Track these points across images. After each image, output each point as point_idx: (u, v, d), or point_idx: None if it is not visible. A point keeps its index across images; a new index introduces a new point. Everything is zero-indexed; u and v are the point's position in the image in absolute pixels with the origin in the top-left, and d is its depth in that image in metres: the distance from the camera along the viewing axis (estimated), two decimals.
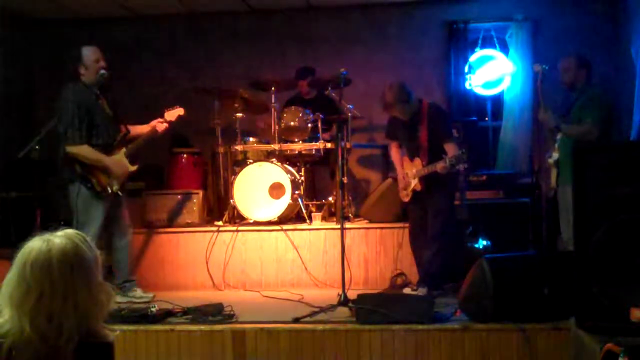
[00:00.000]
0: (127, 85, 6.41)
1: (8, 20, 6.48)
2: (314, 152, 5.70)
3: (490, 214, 5.12)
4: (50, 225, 1.93)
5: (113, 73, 4.70)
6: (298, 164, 5.80)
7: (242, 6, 6.62)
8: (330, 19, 6.77)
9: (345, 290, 4.22)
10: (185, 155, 5.94)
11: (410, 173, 4.74)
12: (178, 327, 3.92)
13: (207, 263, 5.21)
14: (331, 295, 4.39)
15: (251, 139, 5.82)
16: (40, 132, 4.71)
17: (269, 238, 5.26)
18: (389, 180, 5.36)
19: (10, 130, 6.39)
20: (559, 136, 4.70)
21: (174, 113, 4.96)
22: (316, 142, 5.61)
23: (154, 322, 3.97)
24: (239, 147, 5.67)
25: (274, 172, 5.41)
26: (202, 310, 4.09)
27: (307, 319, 3.96)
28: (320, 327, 3.83)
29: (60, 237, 1.80)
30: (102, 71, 4.55)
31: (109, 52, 4.73)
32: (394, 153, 4.94)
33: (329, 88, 5.87)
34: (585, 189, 3.26)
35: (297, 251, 5.17)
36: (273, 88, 5.76)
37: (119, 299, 4.50)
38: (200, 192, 5.68)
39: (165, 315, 4.08)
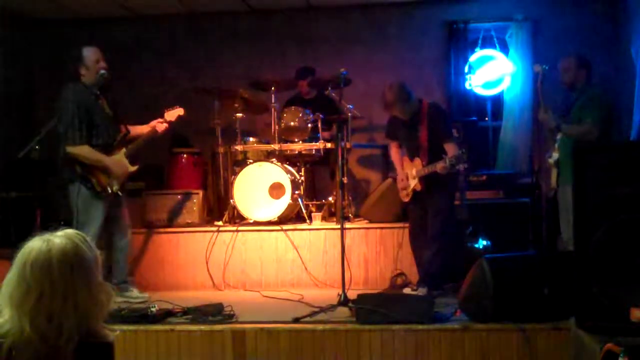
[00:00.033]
0: (127, 85, 6.41)
1: (8, 20, 6.48)
2: (314, 152, 5.70)
3: (490, 214, 5.12)
4: (50, 225, 1.93)
5: (113, 73, 4.70)
6: (298, 164, 5.80)
7: (242, 6, 6.62)
8: (330, 19, 6.77)
9: (345, 290, 4.22)
10: (185, 155, 5.94)
11: (410, 173, 4.74)
12: (178, 327, 3.92)
13: (207, 263, 5.21)
14: (331, 295, 4.39)
15: (251, 139, 5.82)
16: (40, 132, 4.72)
17: (269, 238, 5.26)
18: (389, 180, 5.36)
19: (10, 130, 6.39)
20: (559, 136, 4.70)
21: (174, 113, 4.96)
22: (316, 142, 5.61)
23: (154, 322, 3.97)
24: (239, 147, 5.67)
25: (274, 172, 5.41)
26: (202, 310, 4.09)
27: (307, 319, 3.96)
28: (320, 327, 3.83)
29: (60, 237, 1.80)
30: (102, 71, 4.55)
31: (109, 52, 4.73)
32: (394, 153, 4.94)
33: (329, 88, 5.87)
34: (585, 189, 3.25)
35: (297, 251, 5.17)
36: (273, 88, 5.76)
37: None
38: (200, 192, 5.68)
39: (165, 315, 4.08)
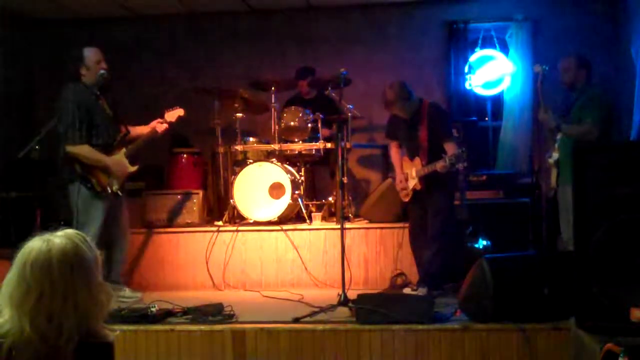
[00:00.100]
0: (127, 85, 6.41)
1: (8, 20, 6.48)
2: (314, 152, 5.70)
3: (490, 214, 5.12)
4: (50, 225, 1.93)
5: (113, 73, 4.71)
6: (298, 164, 5.80)
7: (242, 6, 6.62)
8: (330, 19, 6.77)
9: (345, 290, 4.21)
10: (185, 155, 5.94)
11: (410, 173, 4.74)
12: (178, 327, 3.92)
13: (207, 263, 5.21)
14: (331, 295, 4.39)
15: (251, 139, 5.82)
16: (40, 132, 4.72)
17: (269, 238, 5.26)
18: (389, 180, 5.36)
19: (10, 130, 6.39)
20: (559, 136, 4.70)
21: (174, 114, 4.97)
22: (316, 142, 5.61)
23: (154, 322, 3.97)
24: (239, 147, 5.67)
25: (274, 172, 5.41)
26: (202, 310, 4.08)
27: (307, 319, 3.96)
28: (320, 327, 3.83)
29: (60, 237, 1.80)
30: (102, 71, 4.55)
31: (109, 52, 4.73)
32: (394, 154, 4.94)
33: (329, 88, 5.87)
34: (585, 189, 3.25)
35: (297, 251, 5.17)
36: (273, 88, 5.76)
37: None
38: (200, 192, 5.68)
39: (165, 315, 4.07)
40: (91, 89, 4.55)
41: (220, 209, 5.88)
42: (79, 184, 4.47)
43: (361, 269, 5.15)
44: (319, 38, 6.76)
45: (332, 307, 4.13)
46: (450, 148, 4.51)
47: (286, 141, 5.68)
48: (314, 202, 5.78)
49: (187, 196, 5.62)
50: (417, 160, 4.66)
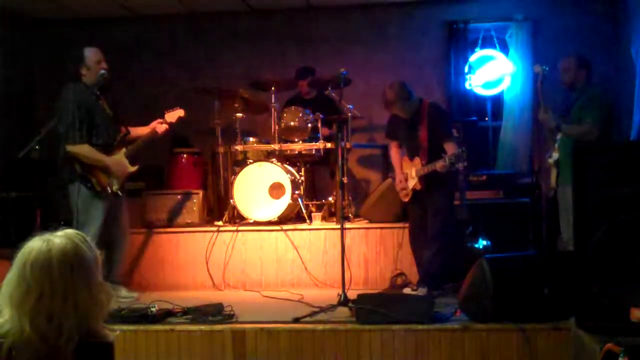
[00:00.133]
0: (127, 85, 6.41)
1: (8, 20, 6.48)
2: (314, 152, 5.70)
3: (490, 214, 5.12)
4: (50, 225, 1.93)
5: (113, 73, 4.71)
6: (298, 164, 5.80)
7: (242, 6, 6.62)
8: (330, 19, 6.77)
9: (345, 290, 4.21)
10: (185, 155, 5.94)
11: (409, 173, 4.74)
12: (178, 327, 3.92)
13: (207, 263, 5.21)
14: (331, 295, 4.39)
15: (251, 139, 5.82)
16: (40, 132, 4.73)
17: (269, 238, 5.26)
18: (389, 180, 5.36)
19: (10, 130, 6.39)
20: (559, 136, 4.70)
21: (175, 114, 4.97)
22: (316, 142, 5.61)
23: (154, 322, 3.97)
24: (239, 147, 5.67)
25: (274, 172, 5.41)
26: (202, 310, 4.08)
27: (307, 319, 3.96)
28: (320, 327, 3.83)
29: (60, 237, 1.80)
30: (102, 71, 4.56)
31: (109, 52, 4.74)
32: (394, 154, 4.94)
33: (329, 88, 5.87)
34: (585, 189, 3.26)
35: (297, 251, 5.17)
36: (273, 88, 5.76)
37: None
38: (200, 192, 5.68)
39: (165, 315, 4.07)
40: (91, 89, 4.56)
41: (220, 209, 5.88)
42: (79, 183, 4.47)
43: (361, 269, 5.15)
44: (319, 38, 6.76)
45: (332, 307, 4.13)
46: (450, 148, 4.51)
47: (286, 141, 5.68)
48: (314, 202, 5.78)
49: (187, 196, 5.62)
50: (417, 160, 4.66)
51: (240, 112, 5.70)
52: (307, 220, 5.39)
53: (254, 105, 5.90)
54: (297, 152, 5.72)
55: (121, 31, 6.85)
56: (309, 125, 5.60)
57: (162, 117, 4.95)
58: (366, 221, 5.45)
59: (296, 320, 3.92)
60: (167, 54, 6.92)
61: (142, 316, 3.98)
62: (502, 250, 4.48)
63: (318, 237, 5.22)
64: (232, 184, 5.46)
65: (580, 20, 6.23)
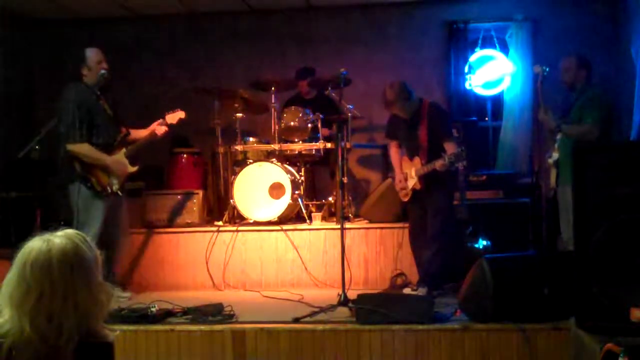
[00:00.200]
0: (127, 85, 6.42)
1: (8, 20, 6.48)
2: (314, 152, 5.70)
3: (490, 214, 5.11)
4: (50, 225, 1.93)
5: (113, 73, 4.71)
6: (298, 164, 5.80)
7: (242, 6, 6.62)
8: (330, 19, 6.77)
9: (345, 290, 4.22)
10: (185, 155, 5.94)
11: (409, 173, 4.74)
12: (178, 327, 3.92)
13: (207, 263, 5.21)
14: (331, 295, 4.39)
15: (251, 139, 5.82)
16: (40, 132, 4.73)
17: (269, 238, 5.25)
18: (389, 180, 5.36)
19: (10, 130, 6.39)
20: (558, 136, 4.70)
21: (175, 116, 4.97)
22: (316, 142, 5.61)
23: (154, 322, 3.97)
24: (239, 147, 5.67)
25: (274, 172, 5.41)
26: (202, 310, 4.09)
27: (307, 319, 3.96)
28: (320, 327, 3.83)
29: (60, 237, 1.80)
30: (102, 71, 4.56)
31: (109, 52, 4.74)
32: (394, 154, 4.94)
33: (329, 88, 5.87)
34: (585, 189, 3.26)
35: (297, 251, 5.17)
36: (273, 88, 5.76)
37: None
38: (200, 192, 5.68)
39: (165, 315, 4.07)
40: (92, 89, 4.57)
41: (220, 209, 5.88)
42: (79, 183, 4.47)
43: (361, 269, 5.15)
44: (319, 38, 6.75)
45: (332, 307, 4.14)
46: (450, 147, 4.51)
47: (286, 141, 5.68)
48: (314, 202, 5.78)
49: (187, 196, 5.61)
50: (417, 159, 4.66)
51: (240, 112, 5.70)
52: (307, 220, 5.39)
53: (254, 105, 5.90)
54: (297, 152, 5.72)
55: (121, 31, 6.86)
56: (309, 125, 5.60)
57: (163, 117, 4.95)
58: (366, 221, 5.45)
59: (296, 320, 3.92)
60: (167, 54, 6.92)
61: (142, 316, 3.98)
62: (502, 250, 4.48)
63: (318, 237, 5.22)
64: (232, 184, 5.46)
65: (580, 20, 6.22)
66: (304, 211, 5.43)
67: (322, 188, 6.19)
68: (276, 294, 4.88)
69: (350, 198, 5.65)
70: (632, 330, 3.00)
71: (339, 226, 4.54)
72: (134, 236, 5.27)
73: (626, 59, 5.53)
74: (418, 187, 4.67)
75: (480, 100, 6.53)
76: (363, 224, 5.38)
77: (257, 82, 6.00)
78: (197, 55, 6.89)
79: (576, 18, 6.24)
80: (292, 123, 5.59)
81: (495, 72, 6.44)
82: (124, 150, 4.70)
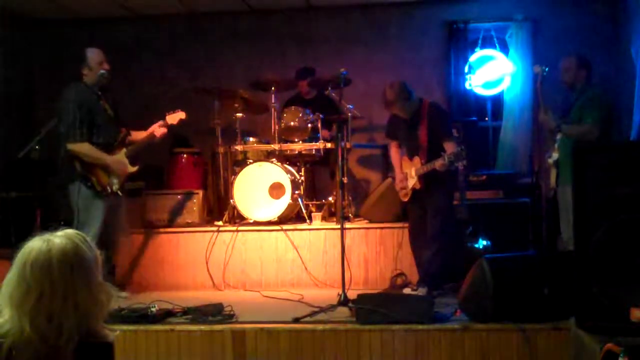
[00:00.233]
0: (127, 85, 6.41)
1: (8, 20, 6.48)
2: (314, 152, 5.70)
3: (490, 214, 5.11)
4: (50, 225, 1.93)
5: (113, 73, 4.71)
6: (298, 164, 5.80)
7: (242, 6, 6.62)
8: (330, 19, 6.77)
9: (345, 290, 4.21)
10: (185, 155, 5.94)
11: (409, 172, 4.74)
12: (178, 327, 3.92)
13: (207, 263, 5.21)
14: (331, 295, 4.38)
15: (251, 139, 5.82)
16: (40, 132, 4.74)
17: (269, 238, 5.25)
18: (389, 180, 5.36)
19: (10, 130, 6.39)
20: (558, 136, 4.70)
21: (176, 117, 4.98)
22: (316, 142, 5.61)
23: (154, 322, 3.97)
24: (239, 147, 5.67)
25: (274, 172, 5.41)
26: (202, 310, 4.09)
27: (307, 319, 3.96)
28: (320, 327, 3.83)
29: (60, 237, 1.80)
30: (102, 71, 4.57)
31: (109, 52, 4.74)
32: (394, 153, 4.94)
33: (329, 88, 5.87)
34: (585, 189, 3.26)
35: (297, 251, 5.17)
36: (273, 88, 5.76)
37: None
38: (200, 192, 5.68)
39: (165, 315, 4.07)
40: (92, 89, 4.58)
41: (220, 209, 5.88)
42: (79, 183, 4.48)
43: (361, 269, 5.15)
44: (319, 38, 6.75)
45: (332, 307, 4.13)
46: (450, 147, 4.50)
47: (286, 141, 5.68)
48: (314, 202, 5.78)
49: (187, 196, 5.62)
50: (417, 159, 4.66)
51: (240, 112, 5.70)
52: (307, 220, 5.39)
53: (254, 105, 5.90)
54: (297, 152, 5.72)
55: (121, 31, 6.86)
56: (309, 125, 5.60)
57: (163, 118, 4.95)
58: (366, 221, 5.45)
59: (296, 320, 3.92)
60: (167, 54, 6.92)
61: (142, 316, 3.98)
62: (502, 250, 4.48)
63: (318, 237, 5.22)
64: (232, 184, 5.46)
65: (580, 20, 6.22)
66: (304, 211, 5.43)
67: (322, 188, 6.19)
68: (276, 294, 4.87)
69: (350, 198, 5.65)
70: (632, 330, 3.00)
71: (339, 226, 4.54)
72: (134, 236, 5.27)
73: (626, 59, 5.53)
74: (418, 186, 4.67)
75: (480, 100, 6.53)
76: (363, 224, 5.38)
77: (257, 82, 6.00)
78: (197, 55, 6.89)
79: (576, 18, 6.24)
80: (292, 123, 5.59)
81: (495, 72, 6.44)
82: (124, 150, 4.70)
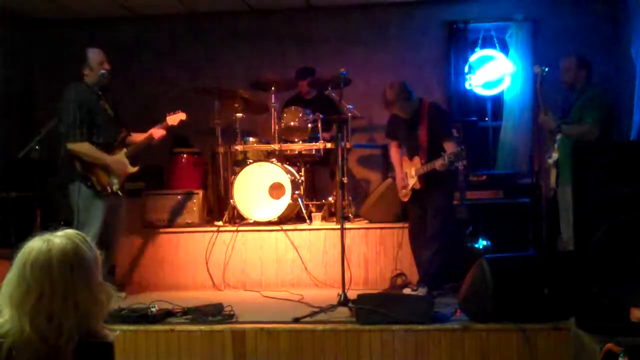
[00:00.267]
0: (127, 85, 6.41)
1: (8, 20, 6.48)
2: (314, 152, 5.70)
3: (490, 214, 5.12)
4: (50, 225, 1.93)
5: (113, 73, 4.71)
6: (298, 164, 5.80)
7: (242, 6, 6.62)
8: (330, 19, 6.77)
9: (345, 290, 4.22)
10: (185, 155, 5.94)
11: (409, 172, 4.74)
12: (178, 327, 3.92)
13: (207, 263, 5.21)
14: (331, 295, 4.39)
15: (251, 139, 5.82)
16: (40, 132, 4.74)
17: (269, 238, 5.25)
18: (389, 180, 5.36)
19: (10, 130, 6.39)
20: (558, 136, 4.70)
21: (176, 118, 4.98)
22: (316, 142, 5.61)
23: (154, 322, 3.97)
24: (239, 147, 5.67)
25: (274, 172, 5.41)
26: (202, 310, 4.08)
27: (307, 319, 3.96)
28: (320, 327, 3.83)
29: (60, 237, 1.80)
30: (102, 71, 4.57)
31: (109, 52, 4.74)
32: (394, 153, 4.94)
33: (329, 88, 5.87)
34: (585, 189, 3.26)
35: (297, 251, 5.17)
36: (273, 88, 5.76)
37: None
38: (200, 192, 5.68)
39: (165, 315, 4.07)
40: (93, 89, 4.58)
41: (220, 209, 5.88)
42: (79, 183, 4.48)
43: (361, 269, 5.15)
44: (319, 38, 6.75)
45: (332, 307, 4.14)
46: (450, 147, 4.50)
47: (286, 141, 5.68)
48: (314, 202, 5.78)
49: (187, 196, 5.61)
50: (417, 159, 4.66)
51: (240, 112, 5.70)
52: (307, 220, 5.39)
53: (254, 105, 5.90)
54: (297, 152, 5.72)
55: (121, 31, 6.86)
56: (309, 125, 5.60)
57: (163, 118, 4.95)
58: (366, 221, 5.45)
59: (296, 320, 3.92)
60: (167, 54, 6.92)
61: (142, 316, 3.98)
62: (502, 250, 4.48)
63: (318, 237, 5.22)
64: (232, 184, 5.46)
65: (580, 20, 6.22)
66: (304, 211, 5.43)
67: (322, 188, 6.19)
68: (276, 294, 4.87)
69: (350, 198, 5.65)
70: (632, 330, 3.00)
71: (339, 226, 4.54)
72: (134, 236, 5.27)
73: (626, 59, 5.53)
74: (418, 186, 4.67)
75: (480, 100, 6.53)
76: (363, 224, 5.38)
77: (257, 82, 6.00)
78: (197, 55, 6.89)
79: (576, 18, 6.24)
80: (292, 123, 5.59)
81: (495, 72, 6.44)
82: (124, 150, 4.70)
